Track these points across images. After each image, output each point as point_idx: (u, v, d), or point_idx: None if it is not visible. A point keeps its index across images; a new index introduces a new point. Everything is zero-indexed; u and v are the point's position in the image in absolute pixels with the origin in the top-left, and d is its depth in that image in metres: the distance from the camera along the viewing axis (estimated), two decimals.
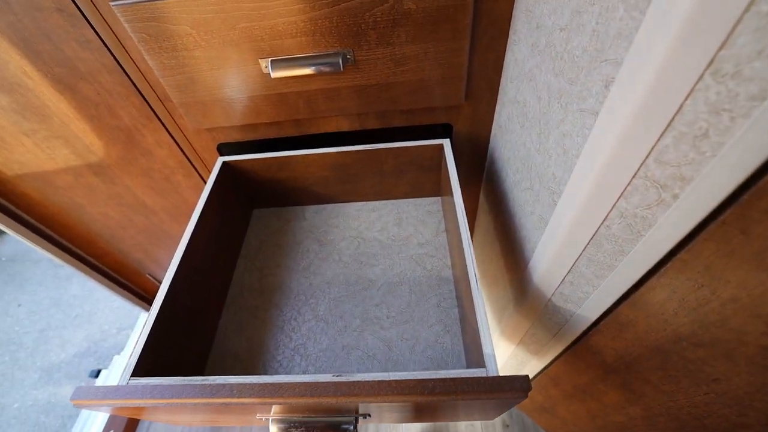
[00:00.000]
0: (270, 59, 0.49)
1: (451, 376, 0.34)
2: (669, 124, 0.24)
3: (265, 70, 0.51)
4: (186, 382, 0.36)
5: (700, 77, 0.21)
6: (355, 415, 0.40)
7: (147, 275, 1.03)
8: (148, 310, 1.15)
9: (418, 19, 0.46)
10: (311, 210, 0.71)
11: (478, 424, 1.09)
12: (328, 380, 0.34)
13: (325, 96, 0.54)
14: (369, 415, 0.40)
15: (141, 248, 0.92)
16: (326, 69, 0.49)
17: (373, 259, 0.62)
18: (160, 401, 0.35)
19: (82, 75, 0.53)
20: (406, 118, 0.60)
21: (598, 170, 0.31)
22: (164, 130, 0.61)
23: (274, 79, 0.52)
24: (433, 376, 0.34)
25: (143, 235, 0.87)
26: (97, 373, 1.48)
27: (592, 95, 0.30)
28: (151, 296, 1.13)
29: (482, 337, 0.37)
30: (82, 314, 1.86)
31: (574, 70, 0.33)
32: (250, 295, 0.60)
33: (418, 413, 0.42)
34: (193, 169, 0.69)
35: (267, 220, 0.71)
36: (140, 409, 0.37)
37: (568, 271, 0.42)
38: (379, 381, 0.33)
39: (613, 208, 0.31)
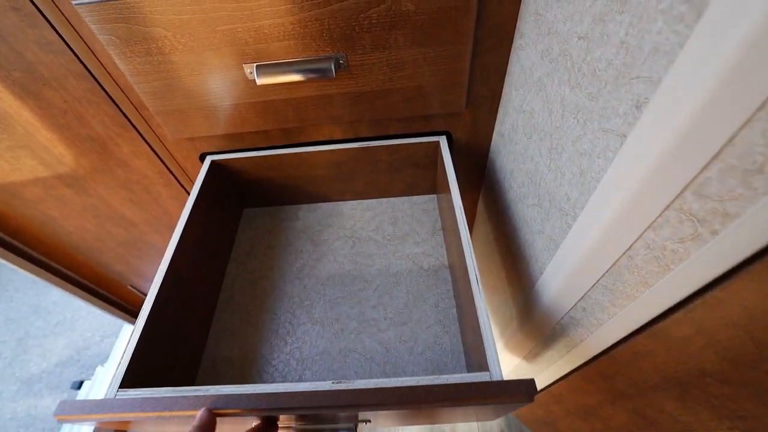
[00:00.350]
0: (255, 64, 0.45)
1: (455, 381, 0.33)
2: (716, 155, 0.21)
3: (249, 76, 0.47)
4: (177, 394, 0.34)
5: (762, 106, 0.18)
6: (355, 422, 0.39)
7: (129, 287, 0.98)
8: (132, 322, 1.10)
9: (417, 21, 0.42)
10: (304, 209, 0.69)
11: (475, 424, 1.08)
12: (327, 389, 0.33)
13: (315, 103, 0.50)
14: (369, 421, 0.39)
15: (122, 260, 0.87)
16: (317, 75, 0.45)
17: (369, 259, 0.60)
18: (150, 414, 0.32)
19: (45, 80, 0.48)
20: (402, 126, 0.56)
21: (624, 197, 0.28)
22: (141, 139, 0.56)
23: (260, 85, 0.47)
24: (436, 382, 0.33)
25: (123, 247, 0.82)
26: (79, 385, 1.42)
27: (618, 115, 0.27)
28: (134, 308, 1.08)
29: (485, 339, 0.36)
30: (63, 321, 1.79)
31: (596, 84, 0.29)
32: (242, 298, 0.57)
33: (418, 417, 0.41)
34: (175, 180, 0.64)
35: (258, 220, 0.68)
36: (127, 423, 0.35)
37: (581, 297, 0.39)
38: (380, 389, 0.32)
39: (639, 238, 0.28)
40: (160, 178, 0.63)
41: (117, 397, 0.35)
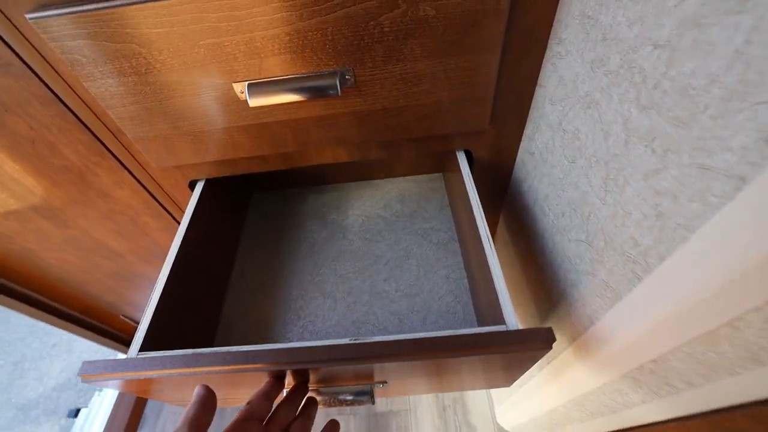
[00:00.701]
0: (247, 83, 0.38)
1: (473, 332, 0.33)
2: None
3: (241, 97, 0.40)
4: (198, 353, 0.34)
5: None
6: (371, 383, 0.39)
7: (122, 317, 0.91)
8: (125, 352, 1.04)
9: (437, 28, 0.35)
10: (312, 191, 0.70)
11: None
12: (346, 343, 0.33)
13: (318, 125, 0.44)
14: (386, 382, 0.39)
15: (111, 291, 0.80)
16: (319, 94, 0.38)
17: (378, 235, 0.61)
18: (173, 371, 0.33)
19: (6, 106, 0.42)
20: (416, 146, 0.49)
21: (737, 257, 0.21)
22: (122, 168, 0.50)
23: (254, 107, 0.41)
24: (454, 334, 0.33)
25: (112, 279, 0.75)
26: (76, 413, 1.35)
27: (730, 149, 0.20)
28: (128, 336, 1.01)
29: (500, 294, 0.36)
30: (60, 342, 1.73)
31: (686, 106, 0.22)
32: (253, 278, 0.58)
33: (435, 378, 0.41)
34: (163, 210, 0.58)
35: (267, 204, 0.68)
36: (149, 383, 0.35)
37: (651, 360, 0.32)
38: (399, 340, 0.32)
39: (756, 310, 0.21)
40: (146, 209, 0.57)
41: (138, 357, 0.36)
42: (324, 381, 0.39)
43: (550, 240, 0.46)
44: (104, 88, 0.38)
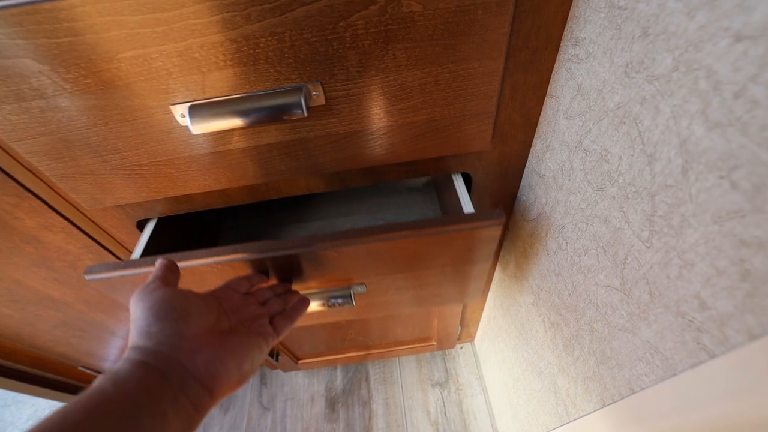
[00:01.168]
0: (188, 105, 0.30)
1: (433, 217, 0.40)
2: None
3: (182, 122, 0.32)
4: (191, 252, 0.36)
5: None
6: (350, 285, 0.42)
7: (80, 368, 0.81)
8: None
9: (425, 28, 0.28)
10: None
11: None
12: (323, 233, 0.35)
13: (284, 152, 0.36)
14: (363, 284, 0.42)
15: (62, 342, 0.70)
16: (281, 115, 0.30)
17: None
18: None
19: None
20: (405, 171, 0.42)
21: None
22: (48, 208, 0.41)
23: (200, 134, 0.33)
24: (417, 219, 0.36)
25: (61, 329, 0.65)
26: None
27: None
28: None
29: (461, 200, 0.41)
30: None
31: None
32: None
33: (412, 283, 0.43)
34: (108, 253, 0.49)
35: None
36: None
37: None
38: (369, 227, 0.35)
39: None
40: (87, 253, 0.48)
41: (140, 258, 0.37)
42: (304, 278, 0.40)
43: (569, 280, 0.38)
44: (1, 116, 0.30)
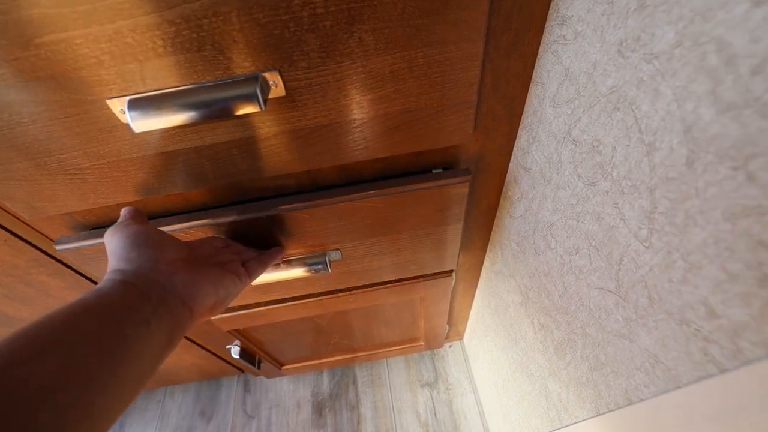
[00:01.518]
0: (127, 98, 0.26)
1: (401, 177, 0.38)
2: None
3: (122, 118, 0.28)
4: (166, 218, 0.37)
5: None
6: (326, 250, 0.42)
7: None
8: None
9: (394, 6, 0.24)
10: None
11: None
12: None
13: (244, 150, 0.32)
14: (338, 250, 0.42)
15: None
16: (233, 109, 0.27)
17: None
18: None
19: None
20: (381, 168, 0.39)
21: None
22: None
23: (143, 132, 0.29)
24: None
25: None
26: None
27: None
28: None
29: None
30: None
31: None
32: None
33: (387, 247, 0.43)
34: (62, 266, 0.45)
35: None
36: None
37: None
38: (341, 189, 0.37)
39: None
40: (37, 266, 0.44)
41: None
42: (278, 243, 0.40)
43: (559, 280, 0.36)
44: None
